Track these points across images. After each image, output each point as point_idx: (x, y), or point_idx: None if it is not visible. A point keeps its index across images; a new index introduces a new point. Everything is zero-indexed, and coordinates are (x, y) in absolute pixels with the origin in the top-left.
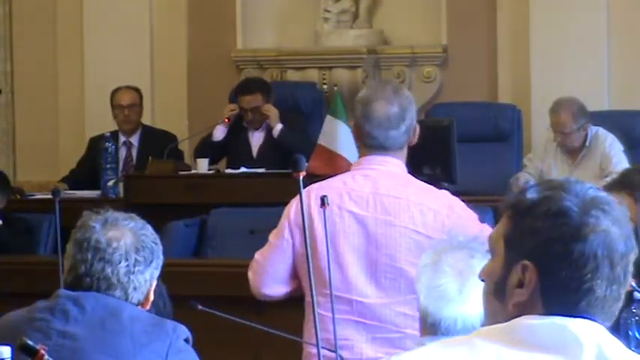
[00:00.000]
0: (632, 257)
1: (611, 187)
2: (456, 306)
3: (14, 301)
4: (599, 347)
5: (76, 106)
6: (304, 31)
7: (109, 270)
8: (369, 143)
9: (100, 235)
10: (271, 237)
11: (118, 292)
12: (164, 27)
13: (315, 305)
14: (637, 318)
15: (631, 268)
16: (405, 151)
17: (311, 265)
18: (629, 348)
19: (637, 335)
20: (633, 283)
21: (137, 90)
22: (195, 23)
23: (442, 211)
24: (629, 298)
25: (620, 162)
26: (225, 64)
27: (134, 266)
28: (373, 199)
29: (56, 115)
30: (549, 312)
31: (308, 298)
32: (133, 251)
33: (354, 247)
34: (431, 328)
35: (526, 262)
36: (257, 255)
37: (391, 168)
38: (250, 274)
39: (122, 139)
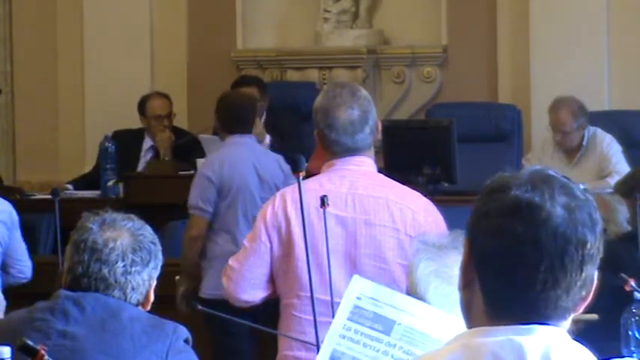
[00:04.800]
0: (595, 250)
1: (619, 190)
2: None
3: (14, 301)
4: None
5: (76, 106)
6: (304, 31)
7: (105, 270)
8: (337, 149)
9: (97, 236)
10: (246, 241)
11: (116, 293)
12: (164, 27)
13: (315, 306)
14: (637, 318)
15: (591, 263)
16: (372, 150)
17: (312, 266)
18: (629, 348)
19: (637, 335)
20: (633, 283)
21: (167, 96)
22: (195, 23)
23: (420, 212)
24: (629, 298)
25: (619, 162)
26: (225, 64)
27: (131, 266)
28: (352, 199)
29: (56, 115)
30: (491, 308)
31: (286, 301)
32: (129, 252)
33: (333, 249)
34: None
35: (465, 239)
36: (232, 261)
37: (366, 168)
38: (225, 281)
39: (149, 142)
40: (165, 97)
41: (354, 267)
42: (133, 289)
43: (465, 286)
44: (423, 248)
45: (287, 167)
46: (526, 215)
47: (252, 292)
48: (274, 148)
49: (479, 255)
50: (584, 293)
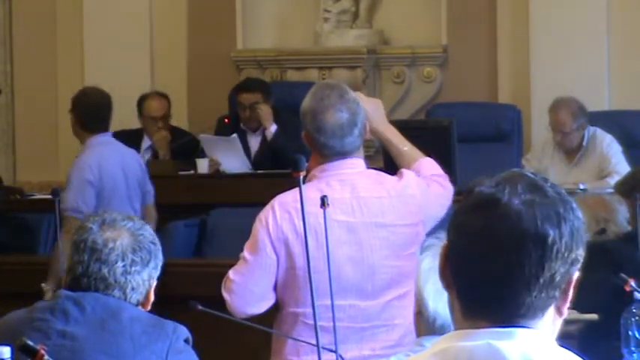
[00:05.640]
0: (561, 247)
1: (619, 190)
2: None
3: (14, 301)
4: None
5: None
6: (304, 31)
7: (105, 270)
8: (327, 152)
9: (97, 236)
10: (247, 253)
11: (116, 292)
12: (164, 27)
13: (316, 310)
14: (637, 318)
15: (567, 260)
16: (362, 150)
17: (312, 273)
18: (629, 348)
19: (637, 335)
20: (633, 283)
21: (166, 96)
22: (195, 23)
23: (417, 195)
24: (630, 298)
25: (619, 162)
26: (225, 64)
27: (131, 266)
28: (357, 203)
29: (56, 115)
30: (462, 307)
31: (295, 309)
32: (129, 252)
33: (350, 257)
34: (440, 330)
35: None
36: (233, 275)
37: (359, 169)
38: (227, 296)
39: (147, 142)
40: (164, 97)
41: (372, 271)
42: (132, 289)
43: (447, 287)
44: (434, 244)
45: (144, 165)
46: (484, 210)
47: (258, 304)
48: (278, 139)
49: (449, 253)
50: (556, 293)
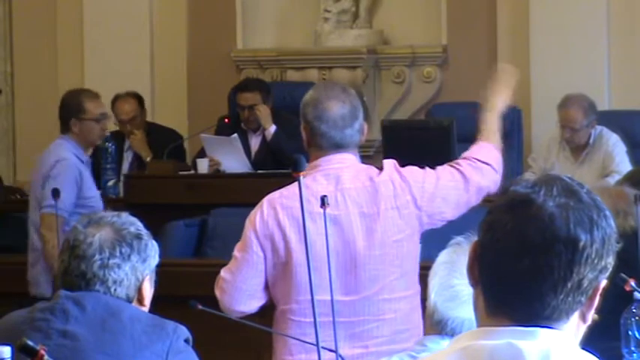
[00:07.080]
0: (592, 253)
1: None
2: (466, 308)
3: (15, 300)
4: None
5: None
6: (304, 31)
7: (83, 266)
8: (324, 144)
9: (79, 234)
10: (237, 251)
11: (99, 287)
12: (164, 27)
13: (315, 307)
14: (637, 318)
15: (595, 265)
16: (357, 149)
17: (312, 269)
18: (630, 348)
19: (637, 335)
20: (632, 283)
21: (137, 97)
22: (195, 23)
23: (397, 179)
24: (630, 298)
25: (623, 162)
26: (225, 64)
27: (109, 260)
28: (341, 195)
29: (56, 115)
30: (487, 304)
31: (283, 307)
32: (107, 245)
33: (331, 249)
34: (436, 325)
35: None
36: (224, 273)
37: (350, 164)
38: (219, 293)
39: (128, 142)
40: (133, 97)
41: (354, 263)
42: (115, 282)
43: (473, 284)
44: (460, 242)
45: (56, 170)
46: (516, 210)
47: (247, 302)
48: (277, 139)
49: (479, 250)
50: (582, 298)
